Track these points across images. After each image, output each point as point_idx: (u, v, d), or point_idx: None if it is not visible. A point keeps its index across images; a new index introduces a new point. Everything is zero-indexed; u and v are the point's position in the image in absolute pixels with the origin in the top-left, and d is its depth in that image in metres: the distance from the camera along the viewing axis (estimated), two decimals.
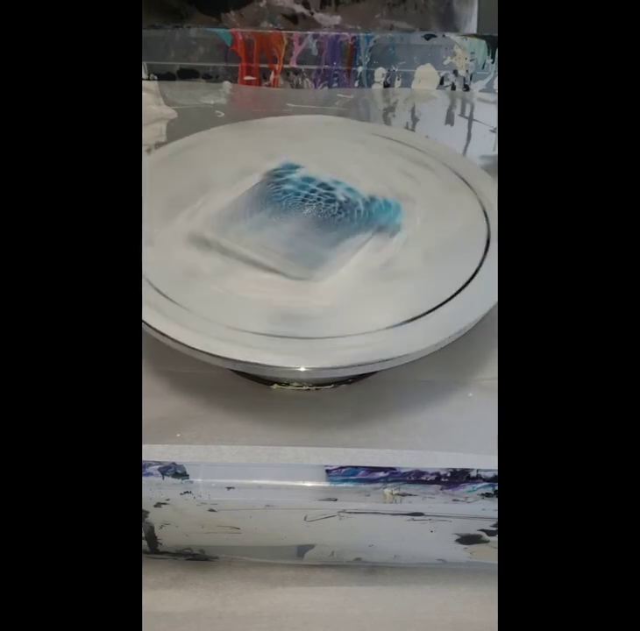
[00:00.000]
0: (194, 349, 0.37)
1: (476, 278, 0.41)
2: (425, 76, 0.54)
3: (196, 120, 0.54)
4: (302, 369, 0.37)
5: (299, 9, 0.60)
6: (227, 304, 0.39)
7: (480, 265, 0.42)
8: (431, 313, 0.39)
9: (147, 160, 0.48)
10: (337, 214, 0.44)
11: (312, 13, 0.60)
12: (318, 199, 0.45)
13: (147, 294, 0.39)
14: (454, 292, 0.40)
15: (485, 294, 0.40)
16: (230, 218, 0.44)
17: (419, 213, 0.45)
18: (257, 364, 0.37)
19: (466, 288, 0.40)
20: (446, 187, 0.47)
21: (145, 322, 0.38)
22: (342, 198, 0.45)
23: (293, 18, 0.60)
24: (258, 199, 0.45)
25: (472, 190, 0.47)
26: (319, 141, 0.50)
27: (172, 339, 0.38)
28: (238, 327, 0.38)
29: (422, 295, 0.40)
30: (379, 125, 0.54)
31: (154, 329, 0.38)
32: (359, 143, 0.50)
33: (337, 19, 0.60)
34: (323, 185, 0.46)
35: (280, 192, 0.46)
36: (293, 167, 0.47)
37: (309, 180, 0.47)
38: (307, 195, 0.45)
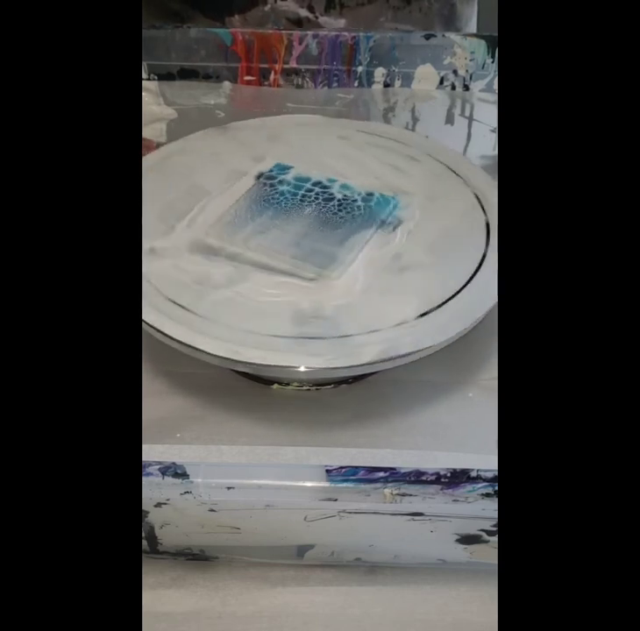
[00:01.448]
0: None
1: (476, 278, 0.41)
2: (425, 76, 0.54)
3: (196, 120, 0.54)
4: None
5: (303, 13, 0.60)
6: (246, 310, 0.39)
7: (486, 250, 0.42)
8: (445, 305, 0.39)
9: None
10: (338, 212, 0.44)
11: (317, 17, 0.60)
12: (316, 198, 0.45)
13: (161, 303, 0.39)
14: (467, 279, 0.41)
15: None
16: (231, 224, 0.44)
17: (416, 205, 0.45)
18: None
19: (466, 288, 0.40)
20: (435, 177, 0.48)
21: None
22: (339, 196, 0.45)
23: (297, 22, 0.60)
24: (256, 202, 0.45)
25: (460, 177, 0.48)
26: (302, 140, 0.50)
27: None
28: (263, 332, 0.38)
29: (435, 286, 0.40)
30: (356, 121, 0.53)
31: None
32: (341, 139, 0.50)
33: (341, 23, 0.60)
34: (318, 183, 0.46)
35: (277, 194, 0.46)
36: (284, 168, 0.47)
37: (303, 179, 0.47)
38: (304, 195, 0.45)
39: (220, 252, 0.42)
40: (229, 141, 0.50)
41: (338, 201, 0.45)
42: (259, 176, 0.47)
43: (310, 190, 0.46)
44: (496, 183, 0.46)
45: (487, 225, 0.44)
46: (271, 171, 0.47)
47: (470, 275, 0.41)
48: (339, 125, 0.52)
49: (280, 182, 0.46)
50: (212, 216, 0.44)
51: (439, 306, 0.39)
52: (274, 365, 0.37)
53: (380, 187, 0.46)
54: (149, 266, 0.41)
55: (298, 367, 0.37)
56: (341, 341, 0.38)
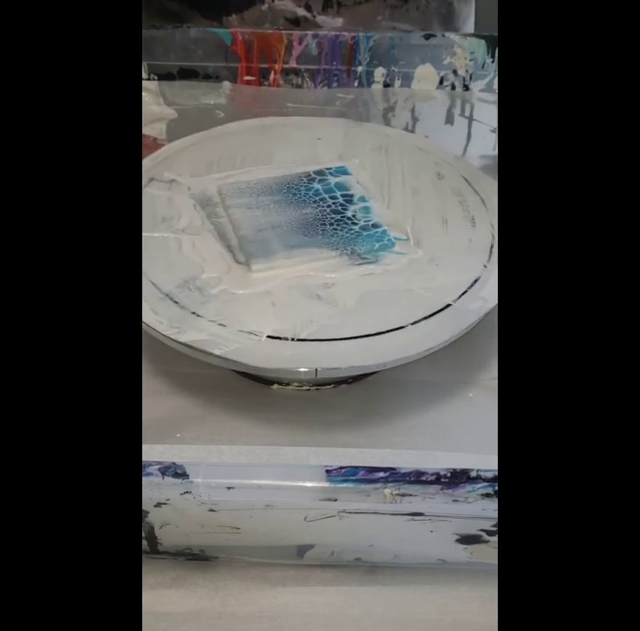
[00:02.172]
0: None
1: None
2: (425, 76, 0.54)
3: (196, 120, 0.54)
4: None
5: (301, 12, 0.60)
6: (165, 255, 0.42)
7: (395, 328, 0.39)
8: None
9: (244, 124, 0.52)
10: (328, 225, 0.43)
11: (314, 16, 0.60)
12: (329, 206, 0.45)
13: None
14: (372, 333, 0.38)
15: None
16: (241, 191, 0.45)
17: (410, 258, 0.42)
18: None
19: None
20: (465, 248, 0.44)
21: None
22: (349, 214, 0.44)
23: (295, 22, 0.60)
24: (280, 185, 0.46)
25: (487, 258, 0.43)
26: (401, 161, 0.49)
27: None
28: (150, 277, 0.40)
29: (316, 324, 0.39)
30: (469, 166, 0.50)
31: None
32: (436, 177, 0.48)
33: (339, 22, 0.60)
34: (347, 196, 0.45)
35: (305, 187, 0.46)
36: (342, 172, 0.47)
37: (340, 187, 0.46)
38: (323, 199, 0.45)
39: (207, 207, 0.45)
40: (341, 134, 0.51)
41: (342, 217, 0.44)
42: (317, 170, 0.47)
43: (335, 198, 0.45)
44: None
45: (446, 306, 0.40)
46: (329, 168, 0.47)
47: (350, 335, 0.38)
48: (451, 163, 0.50)
49: (321, 181, 0.46)
50: (245, 179, 0.46)
51: (297, 340, 0.38)
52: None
53: (400, 229, 0.44)
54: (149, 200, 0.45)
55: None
56: (187, 316, 0.39)
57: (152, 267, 0.41)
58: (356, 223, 0.44)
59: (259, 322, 0.39)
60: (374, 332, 0.38)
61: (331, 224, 0.44)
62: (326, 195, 0.45)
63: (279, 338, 0.38)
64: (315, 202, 0.45)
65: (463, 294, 0.41)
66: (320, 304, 0.40)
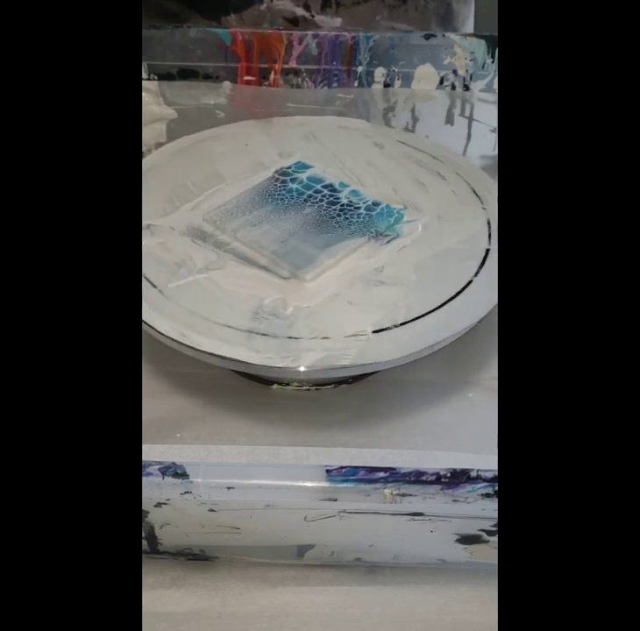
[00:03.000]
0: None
1: (451, 303, 0.40)
2: (425, 76, 0.54)
3: (196, 120, 0.54)
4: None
5: (300, 11, 0.60)
6: (211, 297, 0.40)
7: (473, 278, 0.41)
8: (405, 325, 0.39)
9: (166, 149, 0.50)
10: (337, 216, 0.44)
11: (313, 16, 0.60)
12: (321, 200, 0.45)
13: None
14: (439, 304, 0.40)
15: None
16: (229, 213, 0.44)
17: (422, 222, 0.45)
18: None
19: (434, 313, 0.40)
20: (455, 198, 0.47)
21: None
22: (345, 201, 0.45)
23: (294, 21, 0.60)
24: (261, 195, 0.45)
25: (480, 203, 0.46)
26: (335, 143, 0.50)
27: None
28: (216, 320, 0.38)
29: (404, 305, 0.39)
30: (399, 131, 0.54)
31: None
32: (377, 147, 0.50)
33: (337, 21, 0.60)
34: (328, 186, 0.46)
35: (285, 190, 0.46)
36: (304, 167, 0.47)
37: (315, 180, 0.47)
38: (310, 196, 0.45)
39: (209, 239, 0.43)
40: (263, 134, 0.51)
41: (341, 205, 0.45)
42: (278, 171, 0.47)
43: (319, 191, 0.46)
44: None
45: (486, 252, 0.43)
46: (289, 168, 0.47)
47: (444, 301, 0.40)
48: (380, 133, 0.52)
49: (293, 180, 0.47)
50: (216, 203, 0.45)
51: (400, 325, 0.39)
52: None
53: (392, 200, 0.46)
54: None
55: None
56: (287, 342, 0.38)
57: (212, 311, 0.39)
58: (358, 207, 0.45)
59: (354, 323, 0.39)
60: (455, 293, 0.41)
61: (339, 215, 0.44)
62: (310, 191, 0.46)
63: (384, 330, 0.38)
64: (306, 200, 0.45)
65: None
66: (388, 288, 0.41)
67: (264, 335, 0.38)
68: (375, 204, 0.45)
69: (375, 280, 0.41)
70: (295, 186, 0.46)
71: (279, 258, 0.42)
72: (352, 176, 0.47)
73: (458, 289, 0.41)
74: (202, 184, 0.47)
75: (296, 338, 0.38)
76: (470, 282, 0.41)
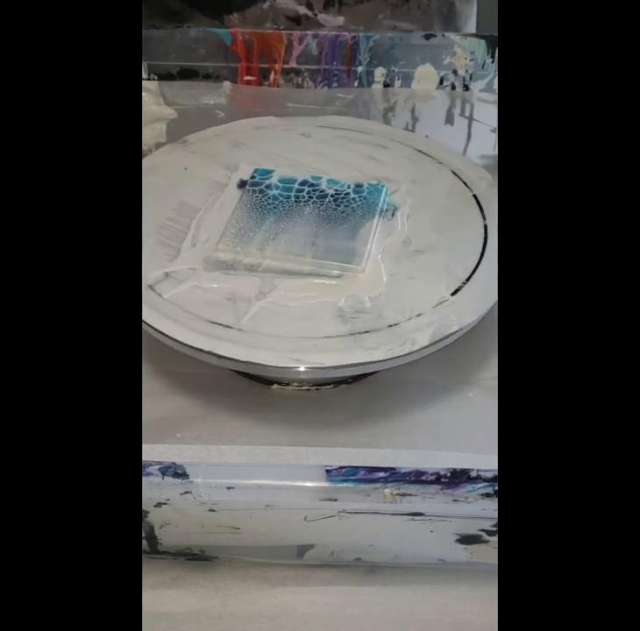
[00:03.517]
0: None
1: (488, 250, 0.43)
2: (425, 76, 0.54)
3: (196, 120, 0.54)
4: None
5: (302, 10, 0.60)
6: (289, 317, 0.39)
7: (485, 222, 0.44)
8: (471, 278, 0.41)
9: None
10: (337, 207, 0.44)
11: (315, 14, 0.60)
12: (310, 197, 0.45)
13: (202, 326, 0.38)
14: (480, 252, 0.43)
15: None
16: (238, 235, 0.43)
17: (403, 190, 0.46)
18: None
19: (484, 260, 0.42)
20: (410, 161, 0.49)
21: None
22: (331, 191, 0.45)
23: (296, 20, 0.60)
24: (254, 210, 0.44)
25: (432, 158, 0.49)
26: (266, 144, 0.50)
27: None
28: (315, 335, 0.38)
29: (453, 263, 0.42)
30: (313, 118, 0.53)
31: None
32: (304, 137, 0.51)
33: (340, 20, 0.60)
34: (305, 183, 0.46)
35: (271, 198, 0.45)
36: (266, 172, 0.46)
37: (289, 181, 0.46)
38: (297, 196, 0.45)
39: (237, 265, 0.42)
40: (193, 154, 0.49)
41: (332, 196, 0.45)
42: (242, 184, 0.46)
43: (301, 190, 0.45)
44: (469, 160, 0.49)
45: (475, 198, 0.46)
46: (253, 177, 0.46)
47: (481, 248, 0.43)
48: (297, 123, 0.52)
49: (268, 187, 0.45)
50: (214, 232, 0.43)
51: (467, 280, 0.41)
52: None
53: (363, 178, 0.47)
54: (172, 291, 0.40)
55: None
56: (391, 331, 0.38)
57: (303, 330, 0.38)
58: (348, 194, 0.45)
59: (429, 293, 0.40)
60: (483, 237, 0.44)
61: (338, 206, 0.45)
62: (293, 193, 0.45)
63: (457, 291, 0.40)
64: (297, 201, 0.45)
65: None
66: (427, 254, 0.43)
67: (367, 332, 0.38)
68: (358, 186, 0.46)
69: (411, 251, 0.43)
70: (274, 192, 0.45)
71: (321, 260, 0.41)
72: (311, 169, 0.47)
73: (483, 233, 0.44)
74: (179, 219, 0.44)
75: (396, 324, 0.39)
76: (485, 222, 0.44)
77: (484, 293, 0.40)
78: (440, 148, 0.50)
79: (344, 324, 0.39)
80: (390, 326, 0.39)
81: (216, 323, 0.39)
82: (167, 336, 0.38)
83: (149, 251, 0.42)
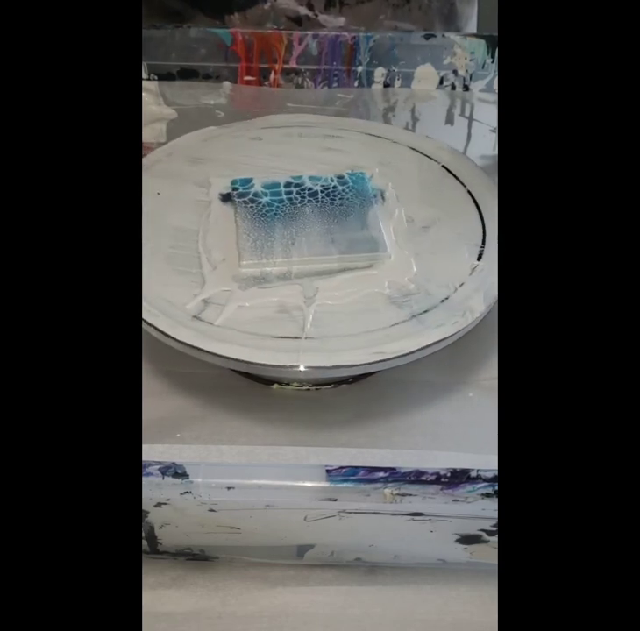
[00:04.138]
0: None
1: (488, 239, 0.43)
2: (425, 76, 0.54)
3: (196, 120, 0.54)
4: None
5: (303, 11, 0.60)
6: (350, 316, 0.39)
7: (469, 188, 0.47)
8: (486, 242, 0.43)
9: None
10: (332, 201, 0.45)
11: (316, 15, 0.60)
12: (302, 197, 0.45)
13: (269, 343, 0.38)
14: (479, 217, 0.44)
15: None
16: (256, 249, 0.42)
17: (377, 173, 0.47)
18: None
19: (490, 225, 0.44)
20: (367, 146, 0.50)
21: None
22: (319, 188, 0.46)
23: (297, 20, 0.60)
24: (256, 220, 0.44)
25: (386, 139, 0.50)
26: (223, 155, 0.49)
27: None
28: (382, 326, 0.39)
29: (464, 230, 0.44)
30: (254, 120, 0.53)
31: (228, 358, 0.38)
32: (256, 140, 0.51)
33: (341, 21, 0.60)
34: (288, 184, 0.46)
35: (266, 206, 0.44)
36: (246, 182, 0.46)
37: (272, 185, 0.46)
38: (290, 198, 0.45)
39: (269, 277, 0.41)
40: (157, 178, 0.47)
41: (322, 192, 0.45)
42: (226, 198, 0.45)
43: (289, 192, 0.45)
44: (419, 135, 0.50)
45: (445, 168, 0.48)
46: (236, 189, 0.45)
47: (477, 211, 0.45)
48: (242, 129, 0.52)
49: (256, 195, 0.45)
50: (227, 250, 0.42)
51: (483, 244, 0.43)
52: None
53: (333, 170, 0.47)
54: (222, 316, 0.39)
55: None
56: (446, 305, 0.40)
57: (367, 324, 0.39)
58: (334, 187, 0.46)
59: (462, 270, 0.42)
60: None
61: (333, 200, 0.45)
62: (283, 196, 0.45)
63: (401, 324, 0.40)
64: (292, 203, 0.45)
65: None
66: (443, 231, 0.44)
67: (425, 312, 0.39)
68: (340, 177, 0.46)
69: (419, 228, 0.44)
70: (266, 199, 0.45)
71: (348, 254, 0.42)
72: (280, 169, 0.47)
73: (470, 197, 0.46)
74: (182, 245, 0.43)
75: (447, 298, 0.40)
76: (466, 188, 0.47)
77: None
78: (389, 128, 0.52)
79: (401, 309, 0.39)
80: (443, 301, 0.40)
81: (283, 337, 0.38)
82: (242, 361, 0.37)
83: (171, 282, 0.41)
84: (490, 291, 0.40)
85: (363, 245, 0.42)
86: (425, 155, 0.49)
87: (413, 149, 0.49)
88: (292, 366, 0.37)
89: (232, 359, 0.38)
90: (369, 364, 0.37)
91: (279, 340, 0.38)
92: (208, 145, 0.51)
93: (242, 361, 0.37)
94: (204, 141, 0.51)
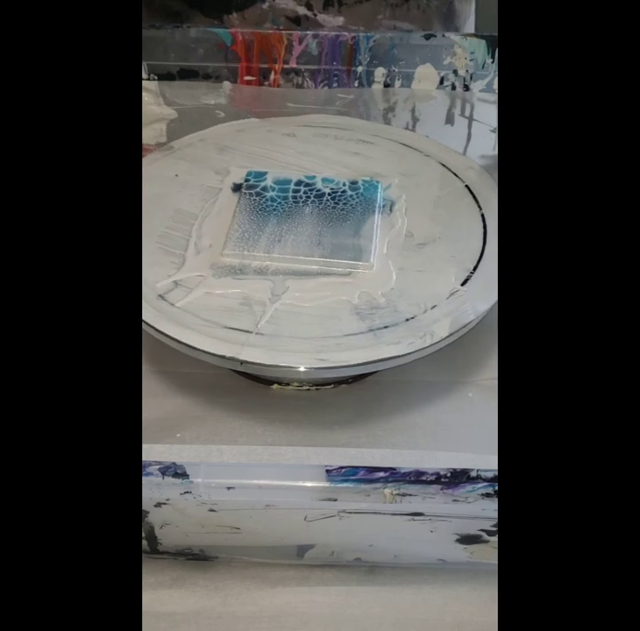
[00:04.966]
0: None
1: (489, 239, 0.43)
2: (425, 76, 0.54)
3: (196, 120, 0.54)
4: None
5: (302, 10, 0.60)
6: (307, 318, 0.39)
7: (482, 211, 0.45)
8: (478, 267, 0.42)
9: None
10: (336, 205, 0.45)
11: (315, 14, 0.60)
12: (308, 197, 0.45)
13: (220, 332, 0.38)
14: (482, 241, 0.43)
15: (494, 282, 0.40)
16: (242, 239, 0.42)
17: (395, 184, 0.47)
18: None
19: (487, 248, 0.43)
20: (396, 155, 0.49)
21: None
22: (327, 190, 0.45)
23: (296, 20, 0.60)
24: (254, 213, 0.44)
25: (417, 151, 0.50)
26: (252, 146, 0.50)
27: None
28: (336, 334, 0.38)
29: (458, 253, 0.43)
30: (294, 117, 0.54)
31: (173, 339, 0.38)
32: (289, 137, 0.51)
33: (340, 20, 0.60)
34: (300, 183, 0.46)
35: (269, 200, 0.45)
36: (260, 175, 0.46)
37: (284, 182, 0.46)
38: (294, 197, 0.45)
39: (246, 269, 0.41)
40: (181, 161, 0.49)
41: (329, 194, 0.45)
42: (237, 188, 0.46)
43: (297, 191, 0.45)
44: (453, 150, 0.50)
45: (468, 188, 0.47)
46: (248, 180, 0.46)
47: (482, 237, 0.43)
48: (279, 124, 0.52)
49: (265, 189, 0.45)
50: (217, 237, 0.43)
51: (474, 270, 0.41)
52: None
53: (353, 174, 0.47)
54: (185, 300, 0.40)
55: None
56: (409, 324, 0.39)
57: (323, 330, 0.39)
58: (344, 191, 0.45)
59: (440, 285, 0.41)
60: (482, 221, 0.45)
61: (337, 204, 0.45)
62: (290, 194, 0.45)
63: (466, 281, 0.41)
64: (296, 202, 0.45)
65: None
66: (430, 246, 0.43)
67: (386, 327, 0.39)
68: (353, 183, 0.46)
69: (415, 244, 0.43)
70: (272, 194, 0.45)
71: (329, 258, 0.42)
72: (300, 168, 0.48)
73: (481, 222, 0.45)
74: (178, 227, 0.44)
75: (413, 318, 0.39)
76: (481, 211, 0.45)
77: (493, 281, 0.40)
78: (424, 140, 0.51)
79: (363, 321, 0.39)
80: (407, 320, 0.39)
81: (235, 329, 0.38)
82: (186, 345, 0.38)
83: (153, 260, 0.42)
84: (460, 318, 0.39)
85: (346, 253, 0.42)
86: (452, 172, 0.48)
87: (442, 164, 0.48)
88: (231, 358, 0.37)
89: (177, 341, 0.38)
90: (310, 369, 0.37)
91: (230, 331, 0.38)
92: (240, 135, 0.51)
93: (185, 345, 0.38)
94: (238, 132, 0.52)
